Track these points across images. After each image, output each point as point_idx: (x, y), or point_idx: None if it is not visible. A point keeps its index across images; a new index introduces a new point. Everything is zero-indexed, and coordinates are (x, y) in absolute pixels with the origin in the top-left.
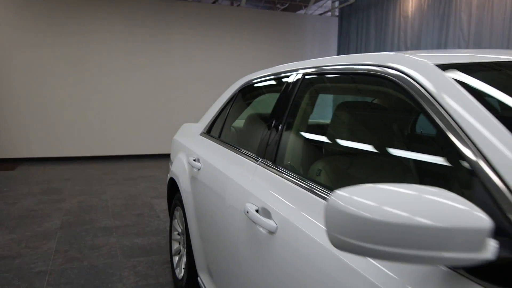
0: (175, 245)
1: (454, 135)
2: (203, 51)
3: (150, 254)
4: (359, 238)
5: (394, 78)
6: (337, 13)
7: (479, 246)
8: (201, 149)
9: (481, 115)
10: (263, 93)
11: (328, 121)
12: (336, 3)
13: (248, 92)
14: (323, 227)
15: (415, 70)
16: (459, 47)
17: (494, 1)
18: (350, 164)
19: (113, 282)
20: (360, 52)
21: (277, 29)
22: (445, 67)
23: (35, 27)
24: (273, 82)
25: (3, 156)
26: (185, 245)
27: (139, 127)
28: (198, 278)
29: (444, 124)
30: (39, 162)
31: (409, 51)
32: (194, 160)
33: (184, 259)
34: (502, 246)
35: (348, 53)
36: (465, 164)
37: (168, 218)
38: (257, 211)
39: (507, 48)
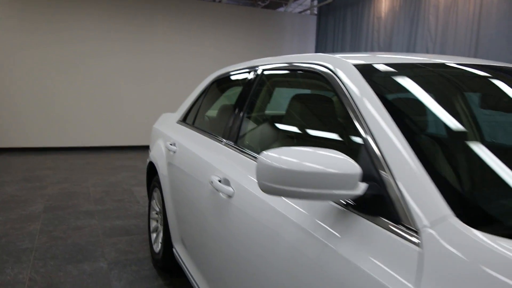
0: (153, 223)
1: (355, 118)
2: (185, 45)
3: (130, 234)
4: (279, 183)
5: (323, 73)
6: (315, 12)
7: (354, 185)
8: (177, 134)
9: (374, 102)
10: (231, 86)
11: (279, 109)
12: (315, 2)
13: (218, 85)
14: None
15: (338, 67)
16: (427, 47)
17: (458, 6)
18: (293, 142)
19: (96, 257)
20: (337, 50)
21: (257, 26)
22: (359, 66)
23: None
24: (238, 77)
25: None
26: (161, 223)
27: (121, 119)
28: (173, 249)
29: (350, 109)
30: (19, 152)
31: (339, 54)
32: (171, 144)
33: (161, 234)
34: (369, 187)
35: (326, 51)
36: (360, 135)
37: (147, 203)
38: (219, 181)
39: (471, 48)
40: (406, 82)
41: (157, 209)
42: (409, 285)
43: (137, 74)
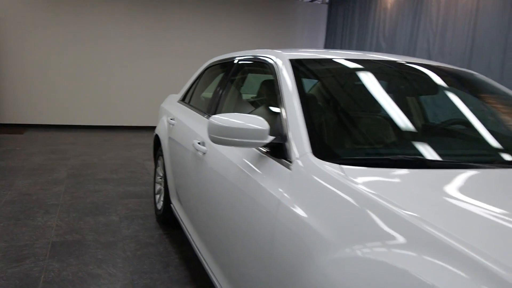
0: (157, 187)
1: (279, 93)
2: (198, 32)
3: (139, 197)
4: (220, 135)
5: (269, 63)
6: (327, 1)
7: (264, 137)
8: (176, 111)
9: (290, 83)
10: (218, 72)
11: (243, 89)
12: None
13: (210, 71)
14: (229, 150)
15: (278, 59)
16: (428, 38)
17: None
18: (241, 111)
19: (110, 212)
20: (345, 39)
21: (269, 14)
22: (291, 59)
23: (42, 5)
24: (223, 64)
25: (13, 121)
26: (163, 185)
27: (137, 100)
28: (171, 205)
29: (278, 87)
30: (44, 128)
31: (284, 49)
32: (171, 119)
33: (162, 194)
34: (275, 138)
35: (335, 39)
36: (280, 105)
37: None
38: (198, 143)
39: (468, 40)
40: (317, 70)
41: (161, 174)
42: (285, 190)
43: (154, 60)
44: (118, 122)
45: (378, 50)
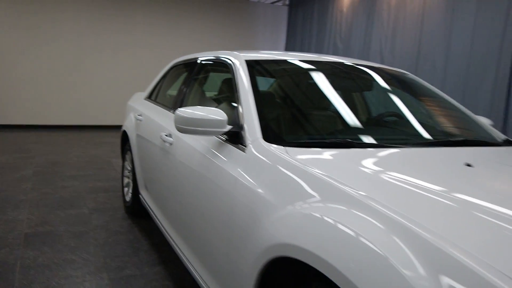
0: (126, 180)
1: (236, 89)
2: (161, 35)
3: (107, 192)
4: (185, 125)
5: (228, 63)
6: (287, 3)
7: (223, 126)
8: (143, 108)
9: (245, 80)
10: (182, 71)
11: (204, 86)
12: None
13: (175, 70)
14: (193, 139)
15: (235, 59)
16: (380, 40)
17: (406, 4)
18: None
19: (79, 205)
20: (305, 41)
21: (230, 15)
22: (248, 60)
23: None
24: (186, 64)
25: None
26: (131, 178)
27: (100, 100)
28: (140, 196)
29: (235, 84)
30: (6, 128)
31: (241, 51)
32: (138, 115)
33: (131, 186)
34: (233, 127)
35: (295, 40)
36: (236, 99)
37: None
38: (166, 135)
39: (415, 40)
40: (269, 69)
41: (129, 168)
42: (241, 169)
43: (116, 61)
44: (83, 122)
45: (335, 51)
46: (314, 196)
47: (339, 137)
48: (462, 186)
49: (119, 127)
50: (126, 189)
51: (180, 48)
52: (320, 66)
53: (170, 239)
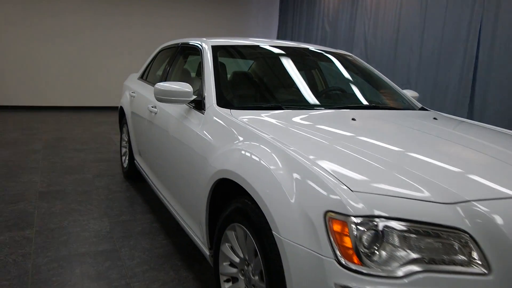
0: (123, 150)
1: (203, 68)
2: (156, 22)
3: (108, 161)
4: (162, 96)
5: (198, 47)
6: None
7: (190, 96)
8: (136, 86)
9: (210, 61)
10: (168, 54)
11: (187, 66)
12: None
13: (162, 54)
14: (171, 108)
15: (205, 44)
16: (364, 23)
17: None
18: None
19: (84, 172)
20: (296, 26)
21: (224, 2)
22: (214, 46)
23: None
24: (170, 48)
25: None
26: (128, 147)
27: (102, 82)
28: (134, 161)
29: (202, 65)
30: (12, 109)
31: (210, 37)
32: (132, 93)
33: (127, 155)
34: (197, 97)
35: (287, 25)
36: (202, 76)
37: None
38: (152, 107)
39: (394, 24)
40: (229, 52)
41: (126, 139)
42: (200, 127)
43: (115, 46)
44: (84, 103)
45: (323, 34)
46: (240, 139)
47: (273, 103)
48: (335, 130)
49: (116, 108)
50: (124, 157)
51: (175, 34)
52: (272, 49)
53: (156, 188)
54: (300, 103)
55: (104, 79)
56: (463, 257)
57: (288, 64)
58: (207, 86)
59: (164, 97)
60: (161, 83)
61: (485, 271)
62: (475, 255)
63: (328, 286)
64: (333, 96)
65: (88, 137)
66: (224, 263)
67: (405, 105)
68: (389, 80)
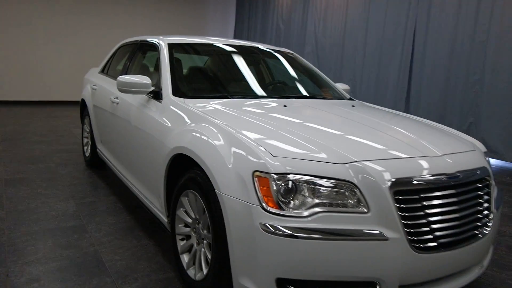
0: (85, 140)
1: (159, 63)
2: (117, 18)
3: (70, 152)
4: (123, 87)
5: (155, 44)
6: None
7: (149, 87)
8: (98, 80)
9: (166, 56)
10: (127, 50)
11: (146, 61)
12: None
13: (122, 50)
14: (132, 98)
15: (160, 42)
16: (314, 22)
17: None
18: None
19: (46, 161)
20: (252, 23)
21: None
22: (170, 43)
23: None
24: (130, 44)
25: None
26: (89, 137)
27: (59, 77)
28: (97, 149)
29: (159, 60)
30: None
31: (167, 35)
32: (94, 85)
33: (89, 144)
34: (155, 88)
35: (243, 23)
36: (158, 69)
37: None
38: (114, 98)
39: (341, 22)
40: (183, 49)
41: (88, 130)
42: (158, 114)
43: (75, 40)
44: (41, 97)
45: (278, 31)
46: (190, 122)
47: (221, 93)
48: (267, 113)
49: (77, 102)
50: (85, 147)
51: (135, 31)
52: (223, 47)
53: (118, 172)
54: (245, 93)
55: (64, 73)
56: (351, 201)
57: (237, 60)
58: (164, 79)
59: (126, 88)
60: (123, 76)
61: (366, 210)
62: (359, 199)
63: (254, 226)
64: (275, 88)
65: (48, 130)
66: (180, 225)
67: (335, 96)
68: (323, 75)
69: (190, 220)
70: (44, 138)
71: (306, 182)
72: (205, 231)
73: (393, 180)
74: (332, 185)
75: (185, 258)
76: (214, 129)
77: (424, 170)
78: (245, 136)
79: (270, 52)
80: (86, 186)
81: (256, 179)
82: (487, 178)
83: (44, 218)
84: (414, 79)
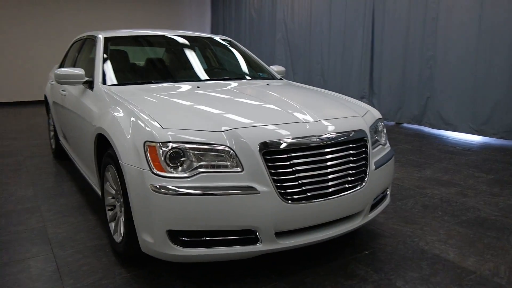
0: (51, 134)
1: (98, 54)
2: (88, 14)
3: (41, 146)
4: (60, 78)
5: (94, 38)
6: None
7: (83, 78)
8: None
9: (101, 49)
10: (79, 45)
11: (92, 54)
12: None
13: (75, 45)
14: (74, 89)
15: (99, 35)
16: (283, 10)
17: None
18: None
19: (16, 155)
20: (226, 17)
21: None
22: (106, 37)
23: None
24: (82, 39)
25: None
26: (53, 130)
27: (35, 77)
28: (59, 141)
29: (95, 53)
30: None
31: (105, 30)
32: (52, 81)
33: (54, 138)
34: (89, 79)
35: (218, 13)
36: (94, 63)
37: None
38: (62, 90)
39: (307, 14)
40: (117, 42)
41: (52, 124)
42: (90, 101)
43: (49, 40)
44: (26, 98)
45: (251, 20)
46: (111, 105)
47: (146, 79)
48: (176, 93)
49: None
50: (52, 140)
51: (106, 25)
52: (154, 37)
53: (71, 157)
54: (169, 79)
55: (37, 74)
56: (228, 163)
57: (168, 49)
58: (96, 69)
59: (62, 80)
60: (59, 69)
61: (240, 169)
62: (234, 161)
63: (146, 187)
64: (198, 72)
65: (25, 127)
66: (108, 197)
67: (265, 77)
68: (258, 58)
69: (113, 192)
70: (19, 135)
71: (190, 148)
72: (121, 200)
73: (261, 142)
74: (212, 149)
75: (112, 225)
76: (121, 110)
77: (294, 133)
78: (144, 114)
79: (202, 39)
80: (49, 175)
81: (147, 147)
82: (365, 138)
83: (4, 202)
84: (376, 59)
